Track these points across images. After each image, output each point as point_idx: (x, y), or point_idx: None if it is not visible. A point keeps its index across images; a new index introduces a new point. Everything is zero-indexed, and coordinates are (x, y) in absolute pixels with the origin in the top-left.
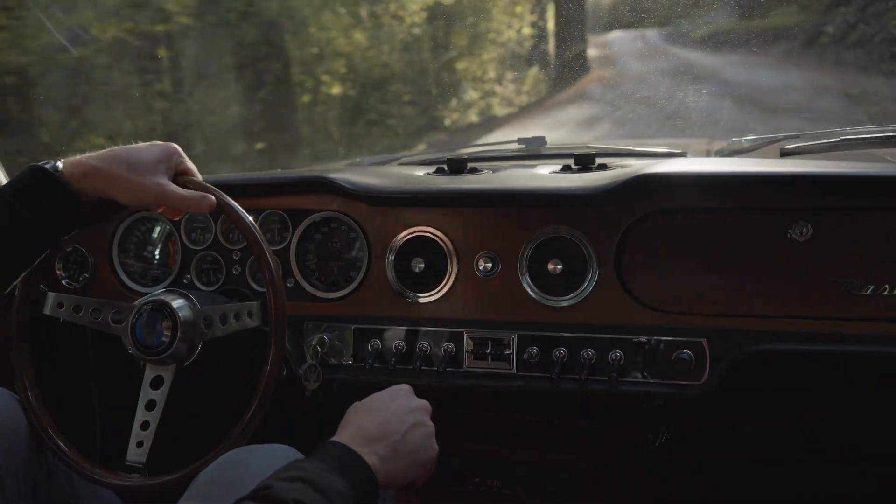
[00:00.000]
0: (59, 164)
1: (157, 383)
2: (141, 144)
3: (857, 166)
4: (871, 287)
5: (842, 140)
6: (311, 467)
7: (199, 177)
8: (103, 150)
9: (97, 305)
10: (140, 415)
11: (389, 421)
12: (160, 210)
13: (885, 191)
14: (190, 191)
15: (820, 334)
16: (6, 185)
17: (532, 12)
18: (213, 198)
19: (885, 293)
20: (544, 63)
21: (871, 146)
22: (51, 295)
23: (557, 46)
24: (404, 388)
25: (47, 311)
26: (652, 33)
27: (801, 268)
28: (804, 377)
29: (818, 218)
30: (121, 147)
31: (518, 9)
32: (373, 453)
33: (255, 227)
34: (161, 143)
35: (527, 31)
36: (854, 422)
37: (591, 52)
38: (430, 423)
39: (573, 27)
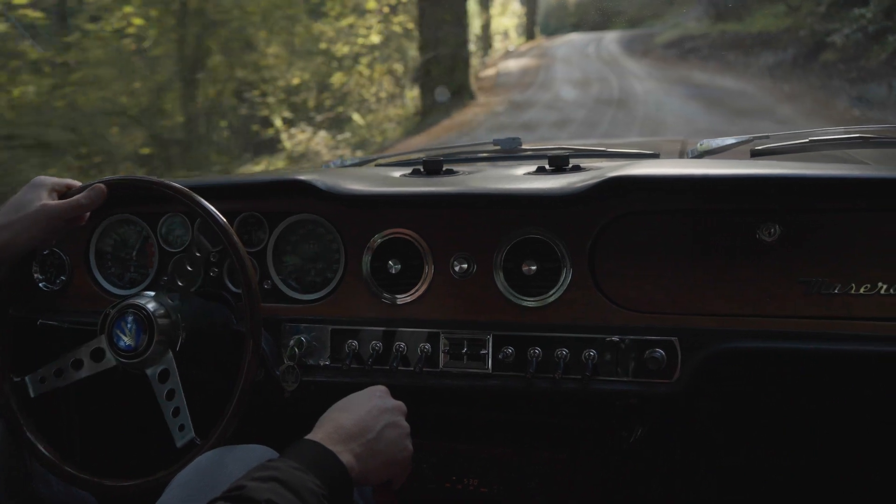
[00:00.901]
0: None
1: (164, 376)
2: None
3: (825, 167)
4: (838, 286)
5: (810, 141)
6: (285, 466)
7: (79, 183)
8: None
9: (75, 357)
10: (165, 407)
11: (365, 420)
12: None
13: (851, 192)
14: (76, 194)
15: (788, 332)
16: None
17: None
18: (100, 186)
19: (852, 292)
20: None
21: (839, 147)
22: (27, 380)
23: (422, 76)
24: (381, 389)
25: (34, 394)
26: (612, 36)
27: (770, 267)
28: (773, 374)
29: (786, 218)
30: None
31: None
32: (347, 451)
33: (231, 230)
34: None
35: (375, 38)
36: (824, 418)
37: (516, 64)
38: (406, 424)
39: (447, 50)
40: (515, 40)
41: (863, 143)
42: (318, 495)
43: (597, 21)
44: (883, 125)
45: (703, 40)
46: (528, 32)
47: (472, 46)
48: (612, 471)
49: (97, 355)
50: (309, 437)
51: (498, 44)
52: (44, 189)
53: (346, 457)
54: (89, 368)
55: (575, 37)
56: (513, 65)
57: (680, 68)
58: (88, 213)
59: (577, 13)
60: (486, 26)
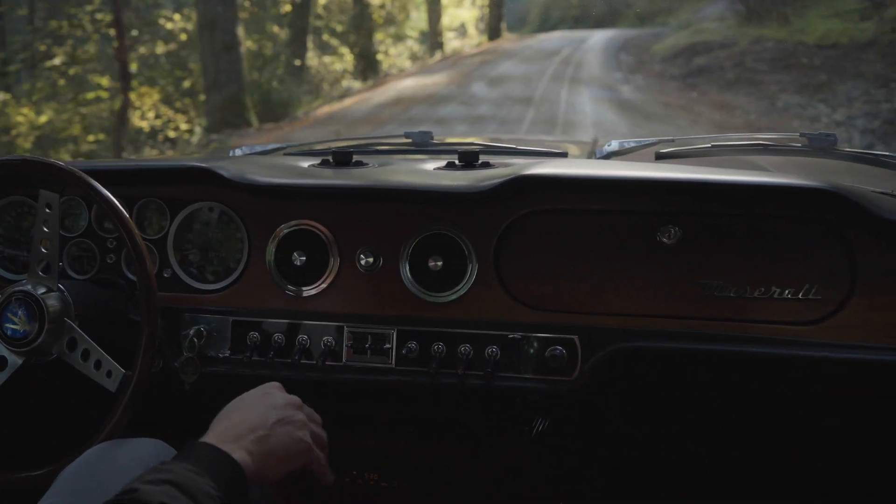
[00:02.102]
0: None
1: (72, 344)
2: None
3: (726, 172)
4: (734, 289)
5: (713, 146)
6: (179, 469)
7: None
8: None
9: None
10: (86, 368)
11: (256, 417)
12: None
13: (749, 197)
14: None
15: (685, 333)
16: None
17: None
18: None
19: (747, 295)
20: None
21: (740, 153)
22: None
23: None
24: (273, 385)
25: None
26: (603, 37)
27: (669, 269)
28: (671, 374)
29: (686, 221)
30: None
31: None
32: (240, 449)
33: (125, 215)
34: None
35: None
36: (722, 417)
37: (405, 88)
38: (300, 417)
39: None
40: (475, 38)
41: (763, 150)
42: (213, 497)
43: (603, 15)
44: (783, 134)
45: (724, 52)
46: (492, 29)
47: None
48: (514, 466)
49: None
50: (202, 439)
51: (457, 42)
52: None
53: (238, 454)
54: None
55: (556, 36)
56: (399, 89)
57: (679, 115)
58: None
59: (580, 5)
60: (434, 20)
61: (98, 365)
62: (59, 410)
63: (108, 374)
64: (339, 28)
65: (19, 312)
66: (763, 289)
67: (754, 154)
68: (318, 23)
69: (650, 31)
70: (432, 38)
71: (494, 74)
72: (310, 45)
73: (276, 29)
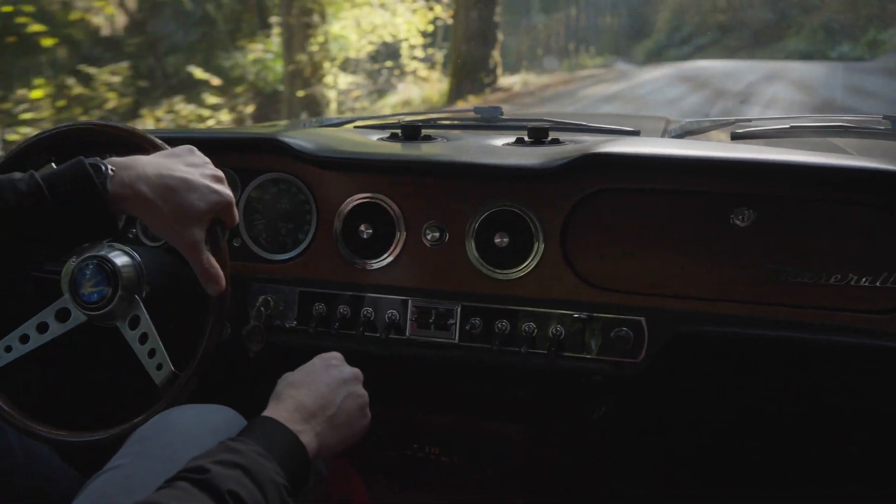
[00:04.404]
0: (110, 174)
1: (134, 322)
2: (197, 183)
3: (804, 154)
4: (808, 275)
5: (791, 127)
6: (249, 451)
7: (224, 242)
8: (158, 172)
9: (39, 320)
10: (140, 352)
11: (325, 394)
12: None
13: (826, 180)
14: (213, 267)
15: (755, 319)
16: (47, 175)
17: None
18: (220, 287)
19: (822, 282)
20: None
21: (819, 134)
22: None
23: None
24: (336, 357)
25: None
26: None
27: (741, 252)
28: (738, 359)
29: (761, 204)
30: (179, 179)
31: None
32: (309, 430)
33: None
34: (217, 192)
35: None
36: (784, 406)
37: None
38: (364, 392)
39: None
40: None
41: (844, 132)
42: (279, 487)
43: (765, 26)
44: (865, 115)
45: None
46: (459, 73)
47: None
48: (572, 447)
49: (62, 315)
50: (270, 413)
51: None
52: (215, 214)
53: (307, 437)
54: (55, 330)
55: (697, 66)
56: None
57: None
58: None
59: (728, 7)
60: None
61: (152, 354)
62: (124, 373)
63: (159, 367)
64: None
65: (96, 277)
66: (839, 275)
67: (834, 136)
68: None
69: (872, 67)
70: (289, 86)
71: None
72: None
73: None
